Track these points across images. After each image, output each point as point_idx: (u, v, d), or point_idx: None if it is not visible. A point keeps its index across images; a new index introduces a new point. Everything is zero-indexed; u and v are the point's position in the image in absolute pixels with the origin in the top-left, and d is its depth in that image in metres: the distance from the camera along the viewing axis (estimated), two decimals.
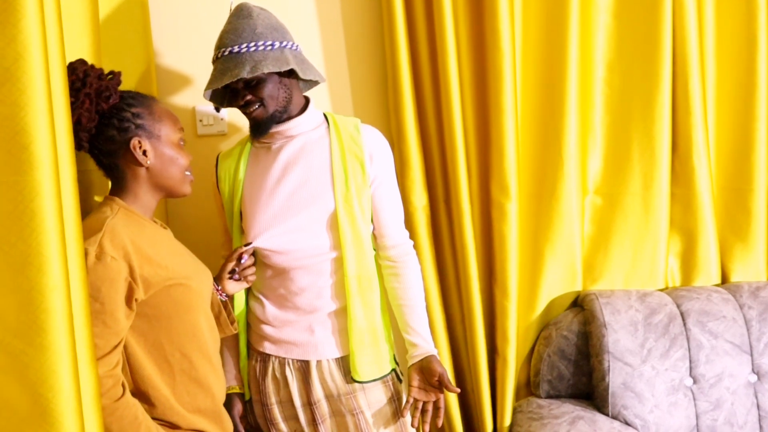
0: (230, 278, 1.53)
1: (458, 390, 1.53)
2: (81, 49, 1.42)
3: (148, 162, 1.29)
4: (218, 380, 1.39)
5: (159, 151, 1.31)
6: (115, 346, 1.19)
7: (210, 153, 1.67)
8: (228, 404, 1.55)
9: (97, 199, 1.51)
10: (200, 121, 1.90)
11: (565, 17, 1.81)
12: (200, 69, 1.87)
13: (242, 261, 1.52)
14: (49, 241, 0.94)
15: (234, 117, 1.91)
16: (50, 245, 0.95)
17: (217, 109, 1.58)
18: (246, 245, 1.52)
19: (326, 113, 1.60)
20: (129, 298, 1.22)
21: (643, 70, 1.88)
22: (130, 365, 1.25)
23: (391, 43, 1.83)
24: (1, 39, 0.92)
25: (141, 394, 1.26)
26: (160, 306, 1.26)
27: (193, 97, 1.90)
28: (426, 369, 1.54)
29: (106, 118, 1.27)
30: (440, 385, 1.53)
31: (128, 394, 1.22)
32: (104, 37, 1.56)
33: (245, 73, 1.41)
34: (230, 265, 1.52)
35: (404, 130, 1.84)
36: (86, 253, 1.16)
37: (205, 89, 1.48)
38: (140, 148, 1.28)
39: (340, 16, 1.93)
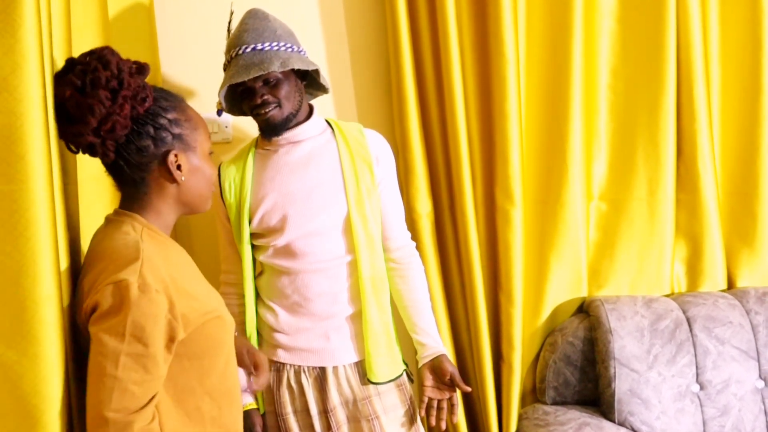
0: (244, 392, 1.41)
1: (469, 389, 1.56)
2: None
3: (182, 178, 1.09)
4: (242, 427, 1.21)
5: (193, 165, 1.11)
6: (153, 397, 0.99)
7: (214, 161, 1.67)
8: (248, 421, 1.52)
9: (94, 208, 1.36)
10: None
11: (568, 23, 1.81)
12: (206, 79, 1.88)
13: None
14: (43, 251, 0.94)
15: (238, 125, 1.92)
16: (44, 255, 0.94)
17: (219, 113, 1.58)
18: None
19: (327, 119, 1.61)
20: (170, 339, 1.01)
21: (647, 75, 1.88)
22: (159, 416, 1.03)
23: (395, 51, 1.83)
24: None
25: None
26: (195, 344, 1.06)
27: (198, 106, 1.89)
28: (437, 368, 1.56)
29: (140, 125, 1.05)
30: (452, 384, 1.56)
31: None
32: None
33: (276, 67, 1.41)
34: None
35: (408, 138, 1.85)
36: (126, 285, 0.96)
37: (228, 83, 1.44)
38: (176, 162, 1.08)
39: (344, 24, 1.93)
